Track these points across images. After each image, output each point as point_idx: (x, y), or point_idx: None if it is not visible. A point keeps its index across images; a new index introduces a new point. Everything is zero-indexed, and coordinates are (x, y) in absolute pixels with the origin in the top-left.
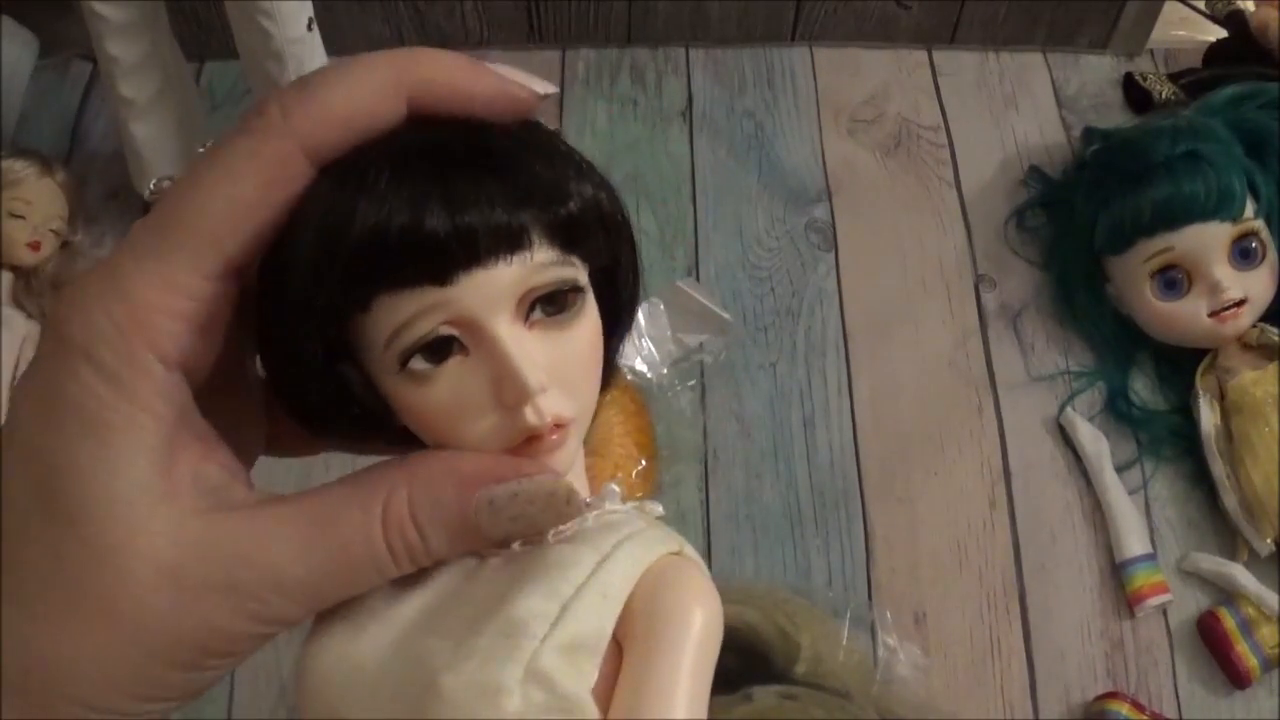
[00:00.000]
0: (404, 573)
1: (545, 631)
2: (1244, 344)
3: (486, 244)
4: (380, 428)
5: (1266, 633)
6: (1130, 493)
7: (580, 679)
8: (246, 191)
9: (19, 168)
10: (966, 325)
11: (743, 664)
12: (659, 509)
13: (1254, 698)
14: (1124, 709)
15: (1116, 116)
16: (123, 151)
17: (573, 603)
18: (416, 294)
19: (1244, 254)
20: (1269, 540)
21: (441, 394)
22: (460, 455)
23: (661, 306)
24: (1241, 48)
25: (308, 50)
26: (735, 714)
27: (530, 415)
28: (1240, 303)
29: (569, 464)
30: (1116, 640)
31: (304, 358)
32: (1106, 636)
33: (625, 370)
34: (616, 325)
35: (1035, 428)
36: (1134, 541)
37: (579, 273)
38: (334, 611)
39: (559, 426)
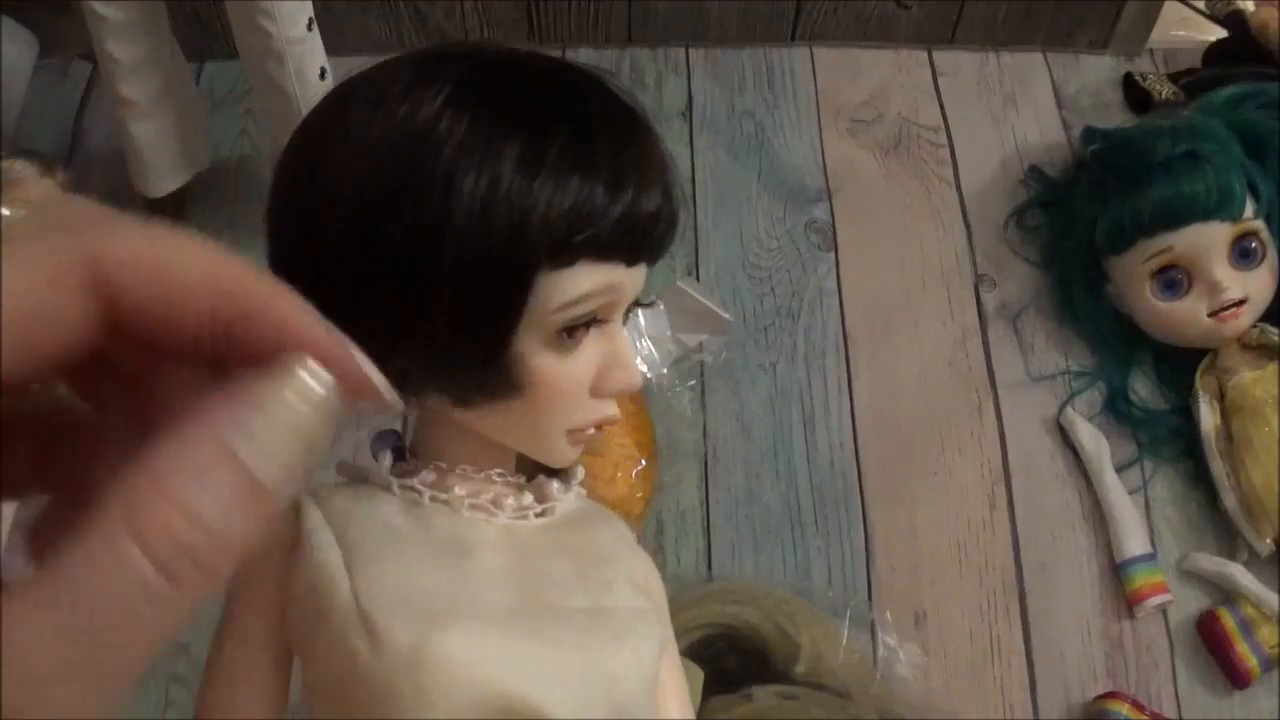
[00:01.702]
0: (198, 604)
1: (648, 603)
2: (1244, 344)
3: (661, 248)
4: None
5: (1266, 633)
6: (1130, 493)
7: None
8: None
9: (19, 168)
10: (966, 325)
11: (743, 664)
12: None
13: (1254, 698)
14: (1124, 709)
15: (1116, 116)
16: (123, 151)
17: (650, 578)
18: (609, 269)
19: (1244, 254)
20: (1269, 540)
21: (571, 369)
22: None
23: (661, 306)
24: (1241, 48)
25: (308, 50)
26: (735, 714)
27: (614, 409)
28: (1240, 303)
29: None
30: (1116, 640)
31: (493, 299)
32: (1106, 636)
33: None
34: None
35: (1035, 428)
36: (1134, 541)
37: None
38: (392, 586)
39: (609, 422)
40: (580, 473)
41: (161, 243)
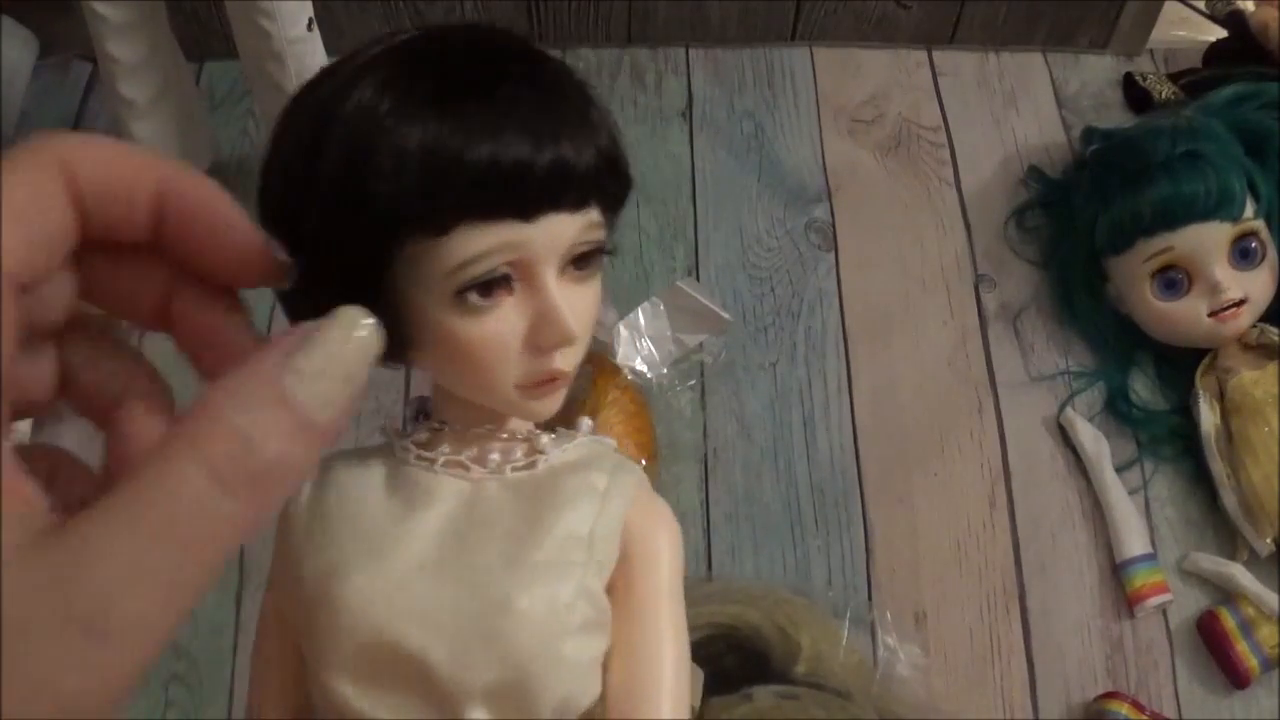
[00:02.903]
0: (260, 521)
1: (585, 557)
2: (1244, 344)
3: (566, 196)
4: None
5: (1266, 633)
6: (1130, 493)
7: (604, 595)
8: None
9: None
10: (966, 325)
11: (743, 664)
12: (611, 443)
13: (1254, 698)
14: (1124, 709)
15: (1116, 116)
16: None
17: (596, 530)
18: (498, 228)
19: (1244, 254)
20: (1269, 540)
21: (486, 329)
22: (236, 367)
23: (661, 306)
24: (1241, 48)
25: (308, 50)
26: (735, 714)
27: (559, 360)
28: (1240, 303)
29: (555, 409)
30: (1116, 640)
31: (350, 265)
32: (1106, 636)
33: (625, 370)
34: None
35: (1035, 428)
36: (1134, 541)
37: (606, 235)
38: (329, 540)
39: (561, 375)
40: (585, 424)
41: (115, 145)
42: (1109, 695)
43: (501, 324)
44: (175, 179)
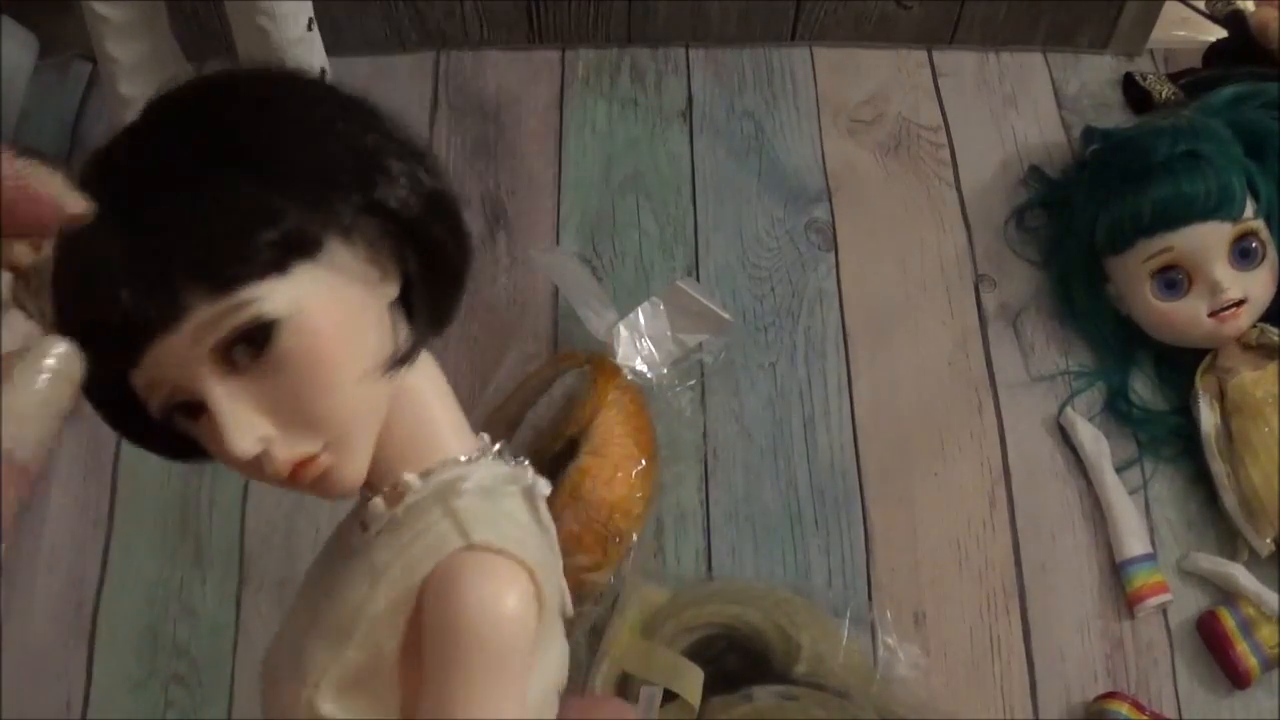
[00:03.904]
0: None
1: (318, 678)
2: (1244, 344)
3: (143, 326)
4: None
5: (1266, 633)
6: (1130, 493)
7: (356, 709)
8: None
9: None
10: (966, 325)
11: (743, 664)
12: (537, 488)
13: (1254, 698)
14: (1124, 709)
15: (1116, 116)
16: None
17: (346, 644)
18: (134, 371)
19: (1244, 254)
20: (1269, 540)
21: (206, 442)
22: None
23: (661, 306)
24: (1241, 48)
25: (308, 50)
26: (735, 714)
27: (269, 470)
28: (1240, 303)
29: (350, 485)
30: (1116, 640)
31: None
32: (1106, 636)
33: (625, 370)
34: (436, 270)
35: (1035, 428)
36: (1134, 541)
37: (266, 305)
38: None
39: (307, 462)
40: (377, 506)
41: None
42: (1109, 695)
43: (214, 437)
44: None
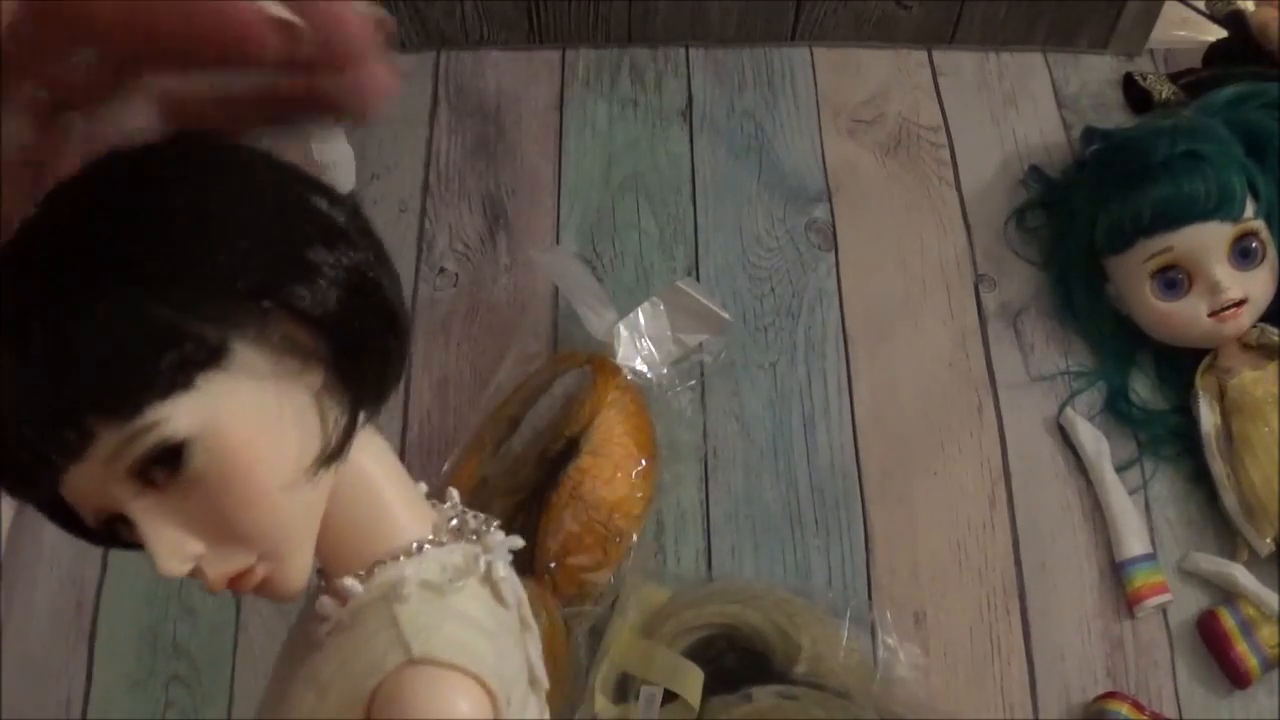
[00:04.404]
0: None
1: None
2: (1244, 344)
3: (49, 459)
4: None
5: (1266, 633)
6: (1130, 493)
7: None
8: None
9: None
10: (966, 325)
11: (743, 664)
12: (501, 546)
13: (1254, 698)
14: (1124, 709)
15: (1116, 116)
16: None
17: None
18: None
19: (1244, 254)
20: (1269, 540)
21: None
22: None
23: (661, 306)
24: (1241, 48)
25: None
26: (735, 714)
27: (207, 586)
28: (1240, 303)
29: (294, 589)
30: (1116, 640)
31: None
32: (1106, 636)
33: (625, 370)
34: (366, 357)
35: (1035, 428)
36: (1134, 541)
37: (173, 426)
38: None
39: (243, 575)
40: (325, 606)
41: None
42: (1109, 695)
43: (149, 550)
44: None
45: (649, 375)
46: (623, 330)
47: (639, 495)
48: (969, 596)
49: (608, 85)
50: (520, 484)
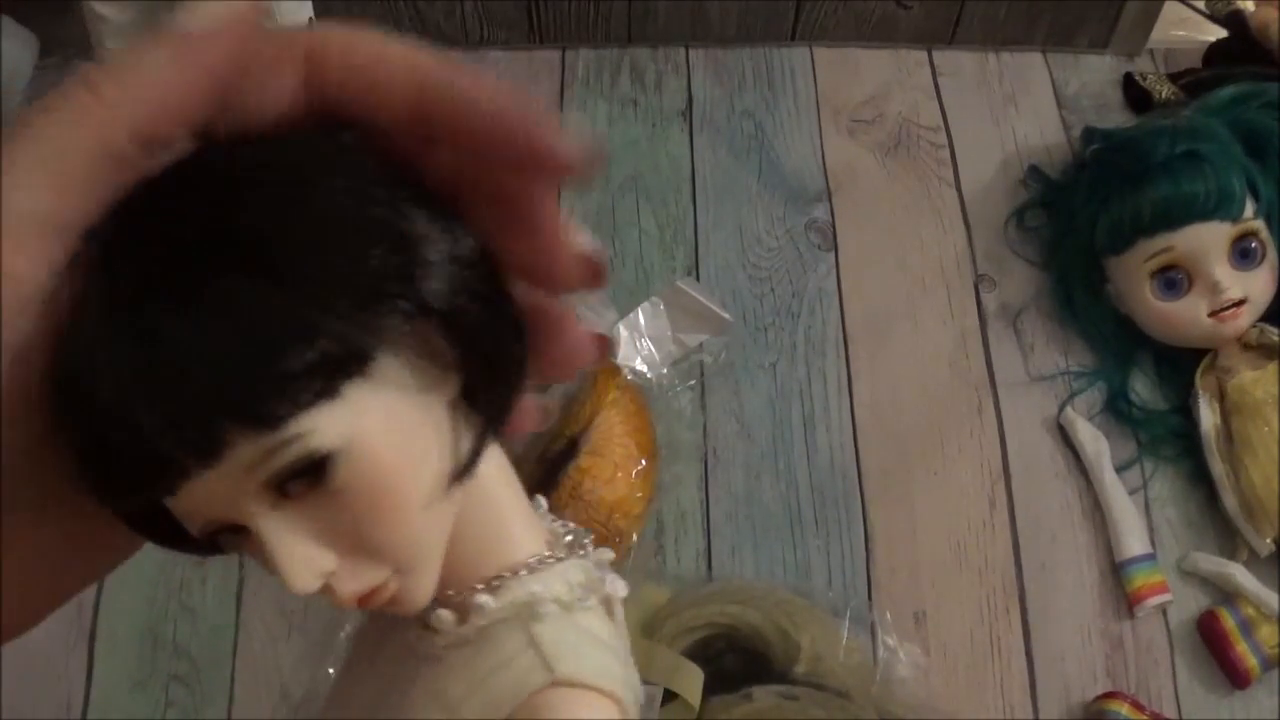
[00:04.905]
0: None
1: None
2: (1244, 344)
3: (178, 465)
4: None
5: (1266, 633)
6: (1130, 493)
7: None
8: (67, 181)
9: None
10: (966, 325)
11: (743, 664)
12: (603, 559)
13: (1254, 698)
14: (1124, 709)
15: (1116, 116)
16: None
17: None
18: (168, 500)
19: (1244, 254)
20: (1269, 540)
21: (261, 563)
22: None
23: (661, 306)
24: (1241, 48)
25: None
26: (735, 714)
27: (334, 602)
28: (1240, 303)
29: (422, 603)
30: (1116, 640)
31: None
32: (1106, 636)
33: (625, 370)
34: (493, 368)
35: (1035, 428)
36: (1134, 541)
37: (319, 439)
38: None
39: (375, 591)
40: (445, 619)
41: (370, 42)
42: (1109, 695)
43: (270, 566)
44: (441, 95)
45: (649, 375)
46: (623, 330)
47: (639, 495)
48: (969, 596)
49: (608, 85)
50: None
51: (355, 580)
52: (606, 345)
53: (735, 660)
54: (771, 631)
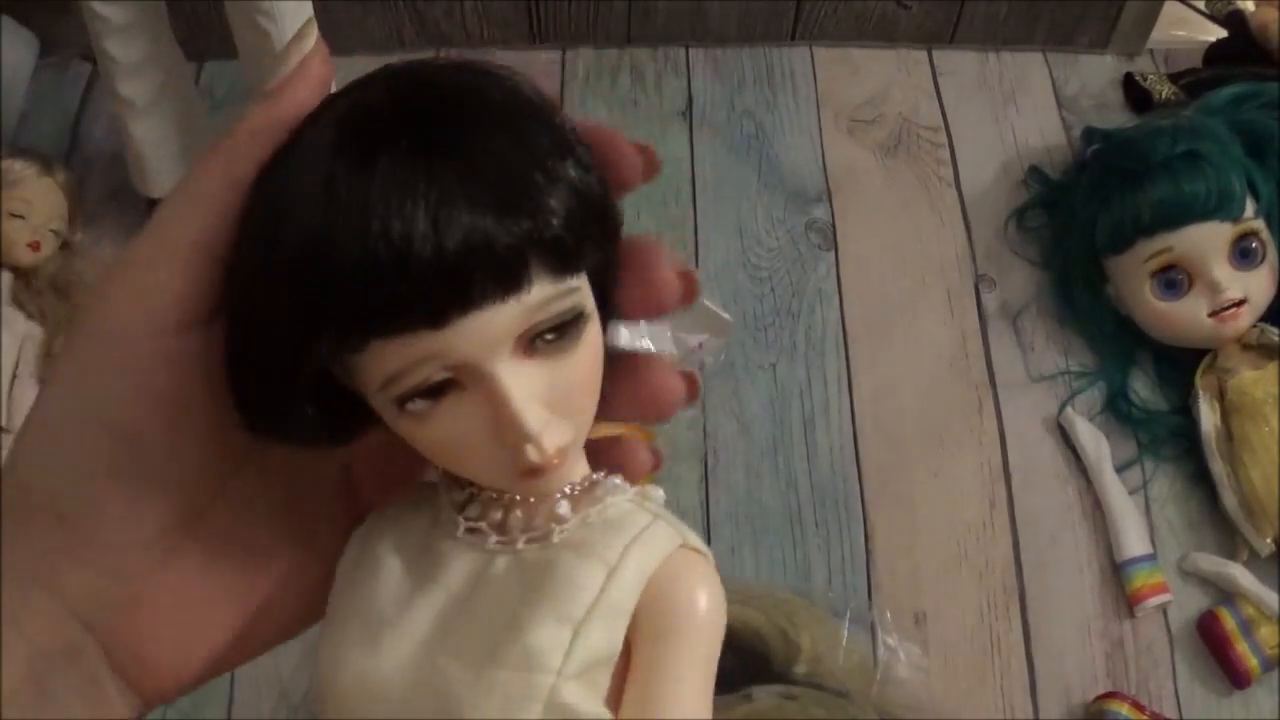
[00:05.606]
0: None
1: (560, 663)
2: (1244, 344)
3: (481, 287)
4: (349, 431)
5: (1266, 633)
6: (1130, 493)
7: (597, 697)
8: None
9: (19, 168)
10: (966, 325)
11: (743, 664)
12: (660, 495)
13: (1254, 698)
14: (1124, 709)
15: (1116, 116)
16: (123, 151)
17: (584, 625)
18: (411, 339)
19: (1244, 254)
20: (1269, 540)
21: (440, 431)
22: None
23: None
24: (1241, 48)
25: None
26: (735, 714)
27: (532, 454)
28: (1240, 303)
29: (565, 481)
30: (1116, 640)
31: (285, 389)
32: (1106, 636)
33: None
34: (606, 309)
35: (1035, 428)
36: (1134, 541)
37: (583, 296)
38: (345, 612)
39: (549, 464)
40: (614, 486)
41: (402, 455)
42: (1109, 695)
43: (458, 423)
44: None
45: None
46: (623, 330)
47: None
48: (969, 597)
49: (608, 85)
50: None
51: (558, 435)
52: (697, 386)
53: (735, 660)
54: (771, 632)
